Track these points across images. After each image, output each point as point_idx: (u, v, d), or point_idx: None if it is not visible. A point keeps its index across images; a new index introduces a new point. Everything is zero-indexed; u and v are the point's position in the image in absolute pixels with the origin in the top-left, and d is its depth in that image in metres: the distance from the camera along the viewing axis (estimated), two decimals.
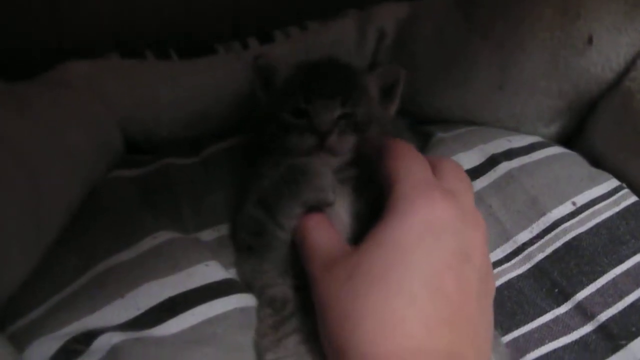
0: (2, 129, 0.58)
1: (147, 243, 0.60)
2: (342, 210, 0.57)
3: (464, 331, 0.43)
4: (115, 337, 0.52)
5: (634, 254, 0.60)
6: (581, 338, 0.56)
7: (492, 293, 0.50)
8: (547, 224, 0.63)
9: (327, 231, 0.53)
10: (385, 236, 0.46)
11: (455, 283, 0.44)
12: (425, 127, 0.79)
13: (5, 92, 0.62)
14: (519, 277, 0.61)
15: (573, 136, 0.78)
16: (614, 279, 0.59)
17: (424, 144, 0.75)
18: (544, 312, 0.58)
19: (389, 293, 0.42)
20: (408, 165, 0.50)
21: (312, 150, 0.60)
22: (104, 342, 0.51)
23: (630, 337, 0.55)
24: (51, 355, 0.51)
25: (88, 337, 0.52)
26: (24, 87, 0.66)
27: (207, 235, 0.66)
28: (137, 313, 0.55)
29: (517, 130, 0.76)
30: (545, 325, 0.57)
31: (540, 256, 0.61)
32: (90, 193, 0.68)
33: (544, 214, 0.64)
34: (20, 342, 0.52)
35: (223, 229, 0.66)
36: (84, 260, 0.60)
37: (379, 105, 0.68)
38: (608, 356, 0.55)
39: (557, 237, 0.62)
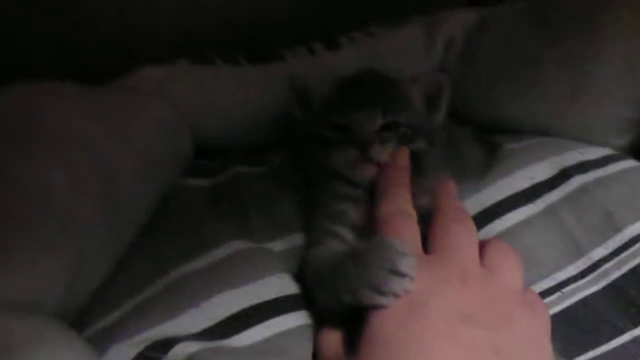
0: (81, 131, 0.59)
1: (221, 252, 0.61)
2: None
3: None
4: (192, 347, 0.52)
5: None
6: None
7: (545, 325, 0.50)
8: (624, 241, 0.61)
9: (335, 341, 0.52)
10: (371, 331, 0.45)
11: (453, 349, 0.43)
12: (492, 137, 0.78)
13: (83, 96, 0.64)
14: (593, 294, 0.59)
15: None
16: None
17: (490, 155, 0.74)
18: (621, 332, 0.56)
19: None
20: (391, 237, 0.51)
21: (355, 164, 0.62)
22: (180, 351, 0.52)
23: None
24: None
25: (165, 346, 0.53)
26: (99, 92, 0.67)
27: (278, 246, 0.66)
28: (211, 323, 0.55)
29: (587, 141, 0.74)
30: (622, 346, 0.55)
31: (617, 274, 0.60)
32: (163, 200, 0.70)
33: (620, 230, 0.62)
34: (95, 347, 0.53)
35: (294, 240, 0.66)
36: (157, 267, 0.61)
37: (425, 114, 0.69)
38: None
39: (634, 255, 0.60)
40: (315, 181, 0.67)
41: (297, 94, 0.70)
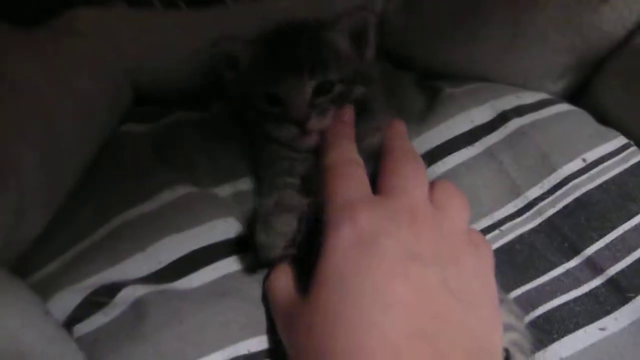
0: (19, 74, 0.57)
1: (166, 196, 0.61)
2: None
3: (445, 330, 0.43)
4: (139, 290, 0.53)
5: None
6: (591, 291, 0.57)
7: (489, 263, 0.52)
8: (558, 180, 0.64)
9: (285, 283, 0.53)
10: (323, 273, 0.46)
11: (406, 287, 0.44)
12: (432, 82, 0.79)
13: (19, 38, 0.62)
14: (530, 231, 0.62)
15: (578, 94, 0.78)
16: (622, 234, 0.60)
17: (431, 99, 0.75)
18: (555, 266, 0.59)
19: (351, 331, 0.42)
20: (339, 184, 0.52)
21: (296, 138, 0.62)
22: (127, 295, 0.52)
23: (638, 291, 0.57)
24: (74, 307, 0.52)
25: (111, 290, 0.53)
26: (35, 34, 0.64)
27: (223, 190, 0.66)
28: (158, 267, 0.56)
29: (523, 86, 0.76)
30: (557, 278, 0.59)
31: (551, 211, 0.62)
32: (104, 146, 0.68)
33: (554, 170, 0.64)
34: (39, 293, 0.52)
35: (239, 185, 0.66)
36: (100, 213, 0.61)
37: (355, 56, 0.68)
38: (617, 308, 0.56)
39: (567, 193, 0.63)
40: (256, 135, 0.67)
41: (223, 56, 0.68)
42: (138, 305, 0.52)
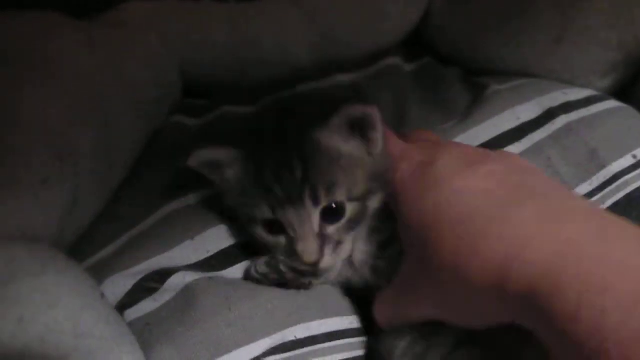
0: (78, 65, 0.58)
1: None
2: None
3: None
4: (189, 277, 0.54)
5: None
6: None
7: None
8: (608, 177, 0.63)
9: None
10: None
11: (477, 177, 0.44)
12: (477, 78, 0.79)
13: (72, 28, 0.63)
14: None
15: (625, 91, 0.77)
16: None
17: (477, 96, 0.75)
18: None
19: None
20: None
21: (302, 274, 0.54)
22: (177, 281, 0.53)
23: None
24: (125, 293, 0.54)
25: (162, 276, 0.54)
26: (87, 25, 0.66)
27: None
28: (206, 255, 0.57)
29: (570, 83, 0.76)
30: None
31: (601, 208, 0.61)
32: (155, 136, 0.69)
33: (604, 166, 0.64)
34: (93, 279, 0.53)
35: None
36: (151, 202, 0.62)
37: (364, 152, 0.54)
38: None
39: (617, 190, 0.62)
40: None
41: (204, 169, 0.55)
42: (187, 292, 0.53)
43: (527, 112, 0.70)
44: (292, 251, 0.51)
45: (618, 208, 0.61)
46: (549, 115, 0.69)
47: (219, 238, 0.58)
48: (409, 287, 0.47)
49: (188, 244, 0.57)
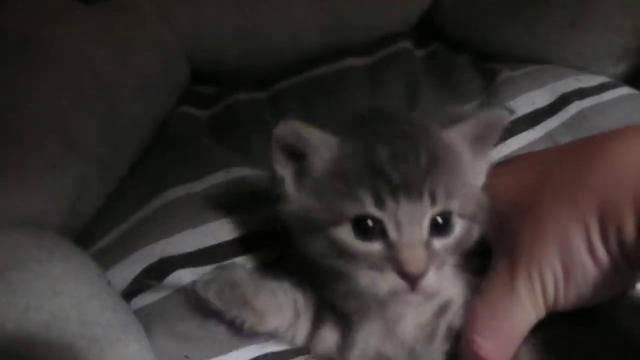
0: (85, 51, 0.58)
1: (220, 176, 0.61)
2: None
3: None
4: (187, 277, 0.52)
5: None
6: None
7: None
8: None
9: None
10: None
11: None
12: (489, 64, 0.78)
13: (85, 15, 0.62)
14: None
15: (638, 76, 0.76)
16: None
17: (489, 82, 0.74)
18: None
19: None
20: None
21: (394, 294, 0.40)
22: (175, 280, 0.52)
23: None
24: (128, 283, 0.53)
25: (160, 273, 0.53)
26: (94, 10, 0.65)
27: None
28: (206, 245, 0.55)
29: (583, 69, 0.75)
30: None
31: None
32: (162, 125, 0.69)
33: None
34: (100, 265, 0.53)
35: None
36: (154, 188, 0.61)
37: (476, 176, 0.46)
38: None
39: None
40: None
41: (286, 149, 0.43)
42: (183, 292, 0.52)
43: (541, 97, 0.69)
44: (386, 261, 0.40)
45: None
46: (563, 101, 0.68)
47: (220, 229, 0.57)
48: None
49: (189, 233, 0.56)
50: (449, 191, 0.40)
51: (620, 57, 0.74)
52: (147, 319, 0.51)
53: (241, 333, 0.47)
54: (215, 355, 0.48)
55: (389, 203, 0.39)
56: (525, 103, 0.68)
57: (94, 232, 0.59)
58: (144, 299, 0.52)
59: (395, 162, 0.40)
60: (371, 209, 0.39)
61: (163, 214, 0.59)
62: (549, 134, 0.66)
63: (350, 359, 0.45)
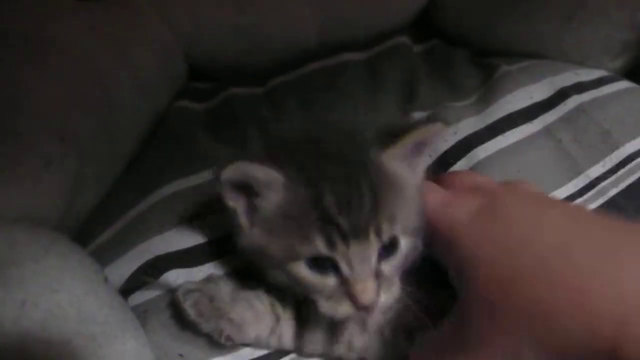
0: (84, 47, 0.58)
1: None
2: None
3: None
4: (181, 278, 0.52)
5: None
6: None
7: None
8: (621, 158, 0.62)
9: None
10: None
11: None
12: (487, 59, 0.78)
13: (75, 9, 0.61)
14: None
15: (637, 71, 0.76)
16: None
17: (487, 77, 0.74)
18: None
19: None
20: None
21: (345, 317, 0.45)
22: (170, 279, 0.52)
23: None
24: (125, 279, 0.53)
25: (156, 270, 0.53)
26: (91, 6, 0.64)
27: None
28: (202, 241, 0.56)
29: (582, 64, 0.74)
30: None
31: (614, 191, 0.60)
32: (159, 120, 0.69)
33: (617, 147, 0.62)
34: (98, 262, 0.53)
35: None
36: (151, 182, 0.61)
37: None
38: None
39: (631, 172, 0.61)
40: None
41: (235, 185, 0.45)
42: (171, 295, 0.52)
43: (539, 91, 0.69)
44: (341, 292, 0.43)
45: (631, 190, 0.60)
46: (561, 95, 0.68)
47: (217, 225, 0.57)
48: (468, 345, 0.41)
49: (184, 228, 0.56)
50: (392, 218, 0.43)
51: (619, 51, 0.74)
52: (144, 316, 0.51)
53: (218, 345, 0.48)
54: (210, 357, 0.49)
55: (340, 246, 0.42)
56: (523, 97, 0.67)
57: (92, 229, 0.59)
58: (142, 296, 0.53)
59: (342, 210, 0.42)
60: (324, 250, 0.42)
61: (160, 209, 0.59)
62: (547, 128, 0.65)
63: (335, 352, 0.49)
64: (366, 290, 0.43)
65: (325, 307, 0.44)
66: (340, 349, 0.49)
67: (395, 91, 0.73)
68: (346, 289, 0.43)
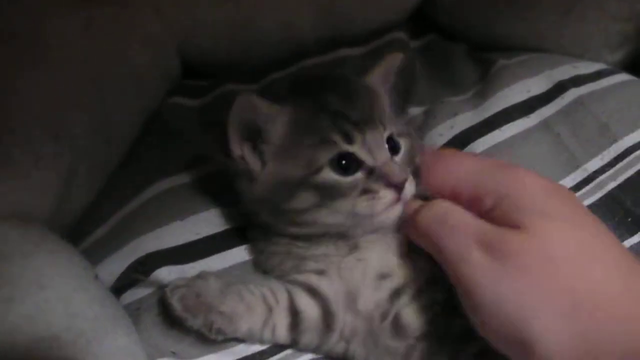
0: (72, 44, 0.58)
1: (210, 167, 0.61)
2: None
3: None
4: (173, 275, 0.52)
5: None
6: None
7: None
8: (619, 152, 0.61)
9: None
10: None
11: None
12: (485, 54, 0.77)
13: (72, 9, 0.61)
14: (590, 206, 0.59)
15: (636, 64, 0.75)
16: None
17: (485, 71, 0.73)
18: None
19: None
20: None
21: (388, 209, 0.47)
22: (161, 277, 0.52)
23: None
24: (117, 278, 0.53)
25: (147, 268, 0.53)
26: (84, 3, 0.64)
27: None
28: (195, 238, 0.56)
29: (581, 57, 0.73)
30: None
31: (612, 184, 0.60)
32: (152, 117, 0.69)
33: (615, 141, 0.62)
34: (89, 260, 0.53)
35: None
36: (145, 179, 0.61)
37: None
38: None
39: (629, 165, 0.60)
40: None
41: (243, 125, 0.49)
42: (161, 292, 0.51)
43: (537, 85, 0.68)
44: (373, 183, 0.46)
45: (630, 184, 0.59)
46: (559, 88, 0.67)
47: (209, 222, 0.57)
48: None
49: (177, 224, 0.56)
50: (387, 119, 0.49)
51: (618, 44, 0.74)
52: (136, 314, 0.51)
53: (210, 342, 0.48)
54: (203, 354, 0.49)
55: (357, 136, 0.47)
56: (520, 91, 0.67)
57: (86, 226, 0.59)
58: (134, 294, 0.52)
59: (347, 103, 0.48)
60: (344, 146, 0.46)
61: (152, 206, 0.59)
62: (545, 122, 0.65)
63: (330, 341, 0.49)
64: (394, 169, 0.47)
65: (364, 206, 0.46)
66: (334, 338, 0.49)
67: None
68: (376, 177, 0.47)
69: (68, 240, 0.52)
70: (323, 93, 0.49)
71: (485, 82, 0.71)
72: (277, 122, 0.48)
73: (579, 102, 0.65)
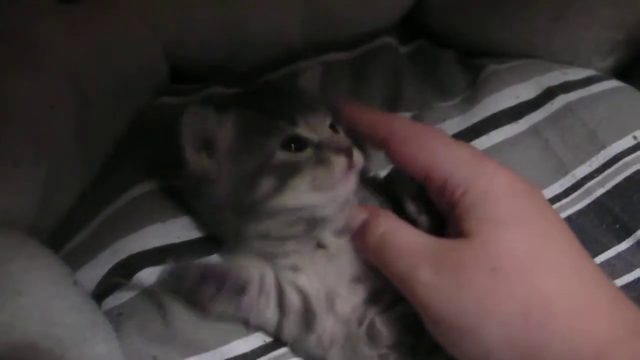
0: (58, 49, 0.57)
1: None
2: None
3: None
4: (155, 276, 0.52)
5: None
6: None
7: None
8: (607, 158, 0.61)
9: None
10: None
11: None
12: (474, 60, 0.77)
13: (53, 11, 0.61)
14: (578, 212, 0.59)
15: (627, 71, 0.75)
16: None
17: (474, 77, 0.73)
18: (606, 248, 0.56)
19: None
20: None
21: (343, 174, 0.49)
22: (143, 278, 0.52)
23: None
24: (97, 282, 0.52)
25: (131, 270, 0.52)
26: (70, 7, 0.64)
27: None
28: (175, 241, 0.55)
29: (571, 64, 0.73)
30: (608, 262, 0.56)
31: (601, 191, 0.60)
32: (137, 117, 0.68)
33: (603, 147, 0.62)
34: (69, 265, 0.52)
35: None
36: (127, 180, 0.60)
37: None
38: None
39: (618, 172, 0.60)
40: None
41: (195, 136, 0.51)
42: (151, 293, 0.51)
43: (526, 90, 0.68)
44: (324, 155, 0.49)
45: (618, 190, 0.59)
46: (548, 94, 0.67)
47: (190, 226, 0.56)
48: None
49: (158, 227, 0.55)
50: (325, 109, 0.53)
51: (609, 51, 0.73)
52: (118, 319, 0.50)
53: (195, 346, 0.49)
54: (185, 357, 0.48)
55: (300, 119, 0.50)
56: (509, 96, 0.67)
57: (67, 230, 0.58)
58: (117, 299, 0.51)
59: (288, 94, 0.55)
60: (290, 129, 0.49)
61: (133, 208, 0.58)
62: (534, 127, 0.64)
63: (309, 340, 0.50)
64: (339, 138, 0.51)
65: (322, 177, 0.48)
66: (312, 339, 0.49)
67: (380, 92, 0.73)
68: (325, 149, 0.49)
69: (48, 245, 0.51)
70: (262, 96, 0.55)
71: (474, 88, 0.70)
72: (226, 126, 0.51)
73: (568, 108, 0.65)
